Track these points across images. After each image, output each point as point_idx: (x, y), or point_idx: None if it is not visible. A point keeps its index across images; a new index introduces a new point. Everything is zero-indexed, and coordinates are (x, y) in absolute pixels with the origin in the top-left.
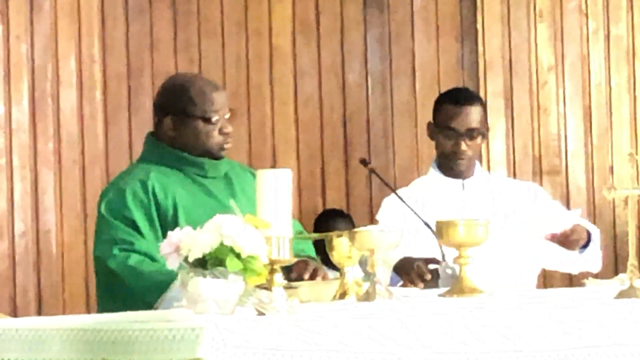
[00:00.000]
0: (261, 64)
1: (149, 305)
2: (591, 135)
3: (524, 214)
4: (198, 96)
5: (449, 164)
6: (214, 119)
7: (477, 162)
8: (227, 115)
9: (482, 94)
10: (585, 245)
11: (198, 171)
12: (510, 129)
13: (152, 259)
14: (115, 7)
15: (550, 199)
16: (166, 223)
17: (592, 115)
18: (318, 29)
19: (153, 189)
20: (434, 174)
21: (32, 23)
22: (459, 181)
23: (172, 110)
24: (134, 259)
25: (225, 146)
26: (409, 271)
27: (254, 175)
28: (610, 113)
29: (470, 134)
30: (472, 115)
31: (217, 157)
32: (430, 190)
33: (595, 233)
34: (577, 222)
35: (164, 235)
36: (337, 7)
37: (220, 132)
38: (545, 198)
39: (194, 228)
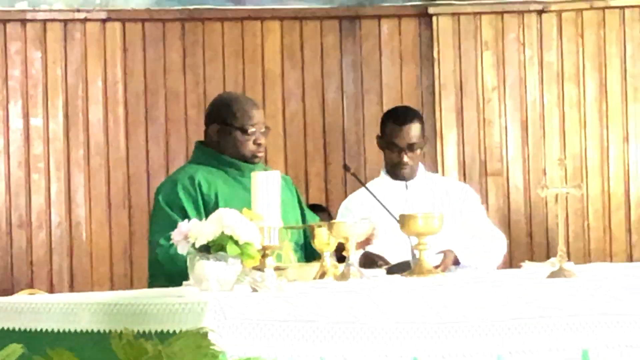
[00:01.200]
0: (255, 85)
1: (181, 283)
2: (527, 144)
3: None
4: (239, 111)
5: (395, 171)
6: (249, 131)
7: (420, 165)
8: (263, 130)
9: (437, 110)
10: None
11: (236, 171)
12: (461, 138)
13: None
14: (134, 37)
15: (477, 202)
16: (208, 210)
17: (528, 127)
18: (302, 56)
19: (199, 183)
20: (384, 177)
21: (65, 50)
22: (403, 183)
23: (218, 120)
24: (174, 249)
25: (258, 154)
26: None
27: (284, 180)
28: (543, 125)
29: (411, 147)
30: (412, 132)
31: (251, 162)
32: (380, 191)
33: (492, 248)
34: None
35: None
36: (318, 38)
37: (255, 142)
38: (474, 200)
39: None
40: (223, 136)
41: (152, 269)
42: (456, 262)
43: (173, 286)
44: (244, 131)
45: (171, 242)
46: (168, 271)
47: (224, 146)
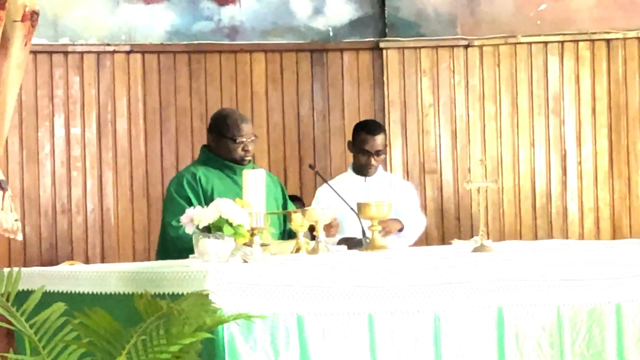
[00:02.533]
0: (245, 103)
1: (188, 256)
2: (456, 148)
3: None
4: (231, 125)
5: (363, 171)
6: (238, 141)
7: (380, 166)
8: (252, 139)
9: (386, 123)
10: (401, 230)
11: (229, 170)
12: (405, 144)
13: None
14: (151, 65)
15: (415, 196)
16: (207, 200)
17: (457, 135)
18: (282, 80)
19: (199, 178)
20: (350, 173)
21: (98, 76)
22: (363, 178)
23: (215, 131)
24: (182, 229)
25: (246, 158)
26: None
27: (271, 178)
28: (468, 134)
29: (378, 153)
30: (379, 141)
31: (240, 164)
32: (344, 184)
33: (414, 224)
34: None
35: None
36: (294, 66)
37: (243, 149)
38: (412, 194)
39: None
40: (219, 143)
41: (163, 243)
42: (400, 230)
43: (181, 258)
44: (234, 141)
45: (180, 223)
46: (177, 246)
47: (220, 151)
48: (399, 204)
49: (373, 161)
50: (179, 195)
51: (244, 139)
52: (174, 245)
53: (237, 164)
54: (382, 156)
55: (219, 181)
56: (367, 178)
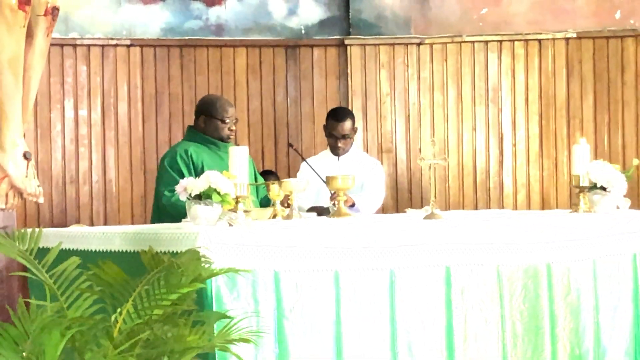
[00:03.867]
0: (229, 90)
1: (179, 220)
2: (409, 131)
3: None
4: (220, 108)
5: (333, 151)
6: (226, 121)
7: (353, 145)
8: (235, 120)
9: (351, 109)
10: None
11: (215, 147)
12: (365, 127)
13: None
14: (149, 57)
15: (380, 173)
16: (197, 172)
17: (410, 120)
18: (260, 71)
19: (191, 154)
20: (327, 152)
21: (102, 65)
22: (336, 157)
23: (205, 113)
24: (175, 197)
25: (231, 136)
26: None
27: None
28: (420, 119)
29: (345, 137)
30: (345, 126)
31: (226, 142)
32: (321, 161)
33: (371, 198)
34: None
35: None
36: (271, 59)
37: (229, 129)
38: (377, 171)
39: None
40: (208, 124)
41: (156, 209)
42: (352, 205)
43: (173, 222)
44: (223, 121)
45: (174, 192)
46: (171, 212)
47: (209, 130)
48: (364, 178)
49: (340, 144)
50: (172, 168)
51: (230, 120)
52: (167, 211)
53: (222, 141)
54: (349, 139)
55: (208, 156)
56: (341, 157)
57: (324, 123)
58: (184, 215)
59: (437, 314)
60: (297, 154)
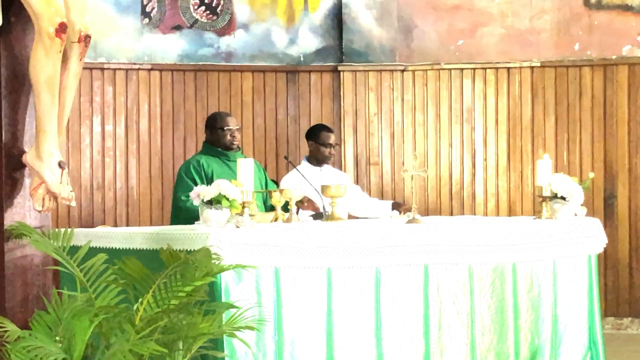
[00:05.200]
0: (237, 109)
1: (193, 222)
2: (394, 147)
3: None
4: (220, 118)
5: (325, 161)
6: (226, 129)
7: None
8: (237, 128)
9: (342, 126)
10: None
11: (225, 158)
12: (355, 143)
13: None
14: (167, 80)
15: (352, 184)
16: (208, 180)
17: (395, 137)
18: (264, 93)
19: (202, 164)
20: (305, 164)
21: (126, 86)
22: (318, 168)
23: (209, 127)
24: (189, 202)
25: (234, 143)
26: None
27: (257, 165)
28: (403, 136)
29: (334, 146)
30: (334, 137)
31: (230, 149)
32: (306, 172)
33: (374, 204)
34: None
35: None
36: (274, 82)
37: (230, 135)
38: (350, 180)
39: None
40: (214, 135)
41: (174, 212)
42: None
43: (188, 224)
44: (222, 129)
45: (189, 198)
46: (186, 215)
47: (215, 141)
48: (349, 188)
49: (333, 151)
50: (187, 176)
51: (230, 127)
52: (183, 214)
53: (227, 149)
54: (336, 147)
55: (217, 166)
56: (322, 168)
57: (312, 138)
58: (197, 218)
59: (416, 306)
60: (292, 165)
